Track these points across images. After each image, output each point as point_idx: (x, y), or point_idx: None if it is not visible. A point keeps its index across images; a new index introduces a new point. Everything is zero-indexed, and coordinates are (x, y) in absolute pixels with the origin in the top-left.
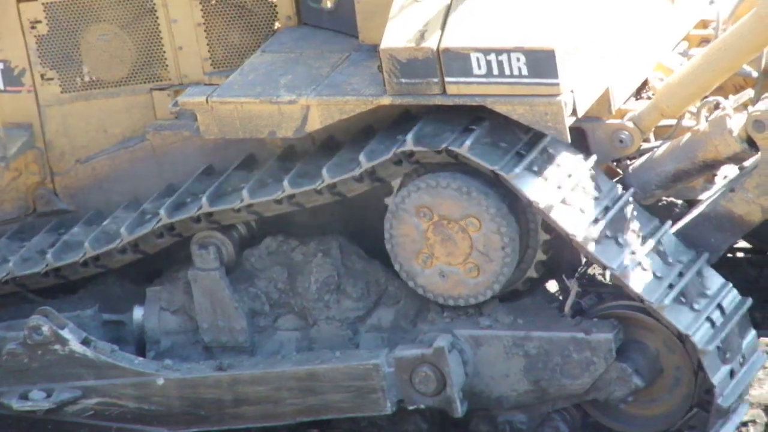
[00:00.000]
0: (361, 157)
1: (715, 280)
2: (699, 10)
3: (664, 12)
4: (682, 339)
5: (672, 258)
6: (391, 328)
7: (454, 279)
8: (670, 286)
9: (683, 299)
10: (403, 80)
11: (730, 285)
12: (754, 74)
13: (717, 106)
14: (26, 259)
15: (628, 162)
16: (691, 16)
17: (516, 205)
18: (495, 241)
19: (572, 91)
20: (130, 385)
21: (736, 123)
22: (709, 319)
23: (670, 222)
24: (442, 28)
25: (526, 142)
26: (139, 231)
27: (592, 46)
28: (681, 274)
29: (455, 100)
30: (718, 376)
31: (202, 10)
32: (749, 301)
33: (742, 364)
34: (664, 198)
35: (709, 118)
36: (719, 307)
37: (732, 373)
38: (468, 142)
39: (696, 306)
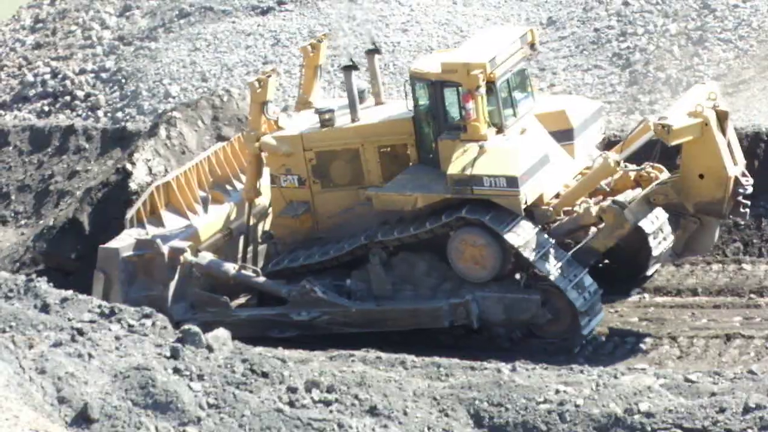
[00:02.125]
0: (428, 224)
1: (586, 276)
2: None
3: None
4: (570, 300)
5: (569, 266)
6: (450, 290)
7: (476, 270)
8: (568, 280)
9: (571, 282)
10: (456, 187)
11: (582, 266)
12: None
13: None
14: (307, 256)
15: (552, 224)
16: (585, 159)
17: (503, 243)
18: (492, 256)
19: (525, 194)
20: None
21: (595, 209)
22: (581, 293)
23: (567, 253)
24: (473, 165)
25: (506, 216)
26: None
27: (536, 173)
28: (575, 275)
29: (478, 196)
30: (578, 303)
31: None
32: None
33: (587, 298)
34: (567, 240)
35: (582, 207)
36: (576, 275)
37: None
38: (486, 217)
39: (566, 275)
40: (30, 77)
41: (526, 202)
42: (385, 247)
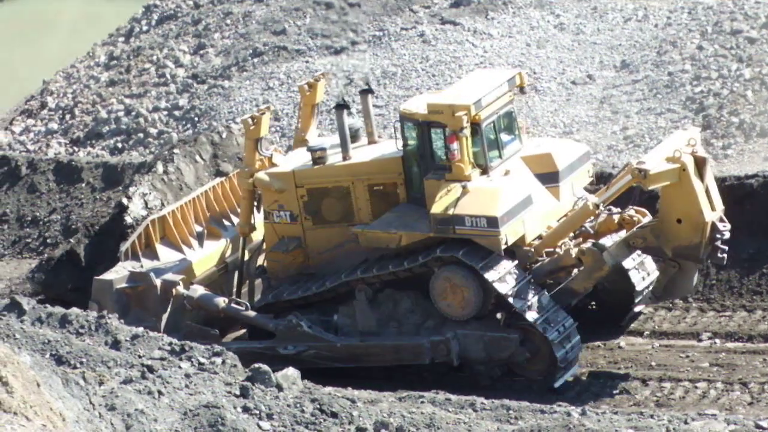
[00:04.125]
0: (420, 258)
1: (564, 315)
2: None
3: (552, 201)
4: (548, 340)
5: (547, 306)
6: (433, 327)
7: (457, 308)
8: (546, 320)
9: (548, 323)
10: (439, 226)
11: (571, 318)
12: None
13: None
14: (302, 290)
15: (533, 264)
16: (568, 204)
17: (484, 282)
18: (473, 294)
19: (505, 234)
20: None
21: (575, 250)
22: (559, 331)
23: (546, 291)
24: (455, 205)
25: (488, 255)
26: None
27: (517, 214)
28: (563, 327)
29: (460, 235)
30: (560, 354)
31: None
32: (574, 324)
33: (569, 351)
34: (547, 280)
35: (563, 249)
36: (565, 327)
37: (566, 353)
38: (479, 264)
39: (554, 325)
40: (104, 114)
41: (506, 243)
42: (372, 284)
